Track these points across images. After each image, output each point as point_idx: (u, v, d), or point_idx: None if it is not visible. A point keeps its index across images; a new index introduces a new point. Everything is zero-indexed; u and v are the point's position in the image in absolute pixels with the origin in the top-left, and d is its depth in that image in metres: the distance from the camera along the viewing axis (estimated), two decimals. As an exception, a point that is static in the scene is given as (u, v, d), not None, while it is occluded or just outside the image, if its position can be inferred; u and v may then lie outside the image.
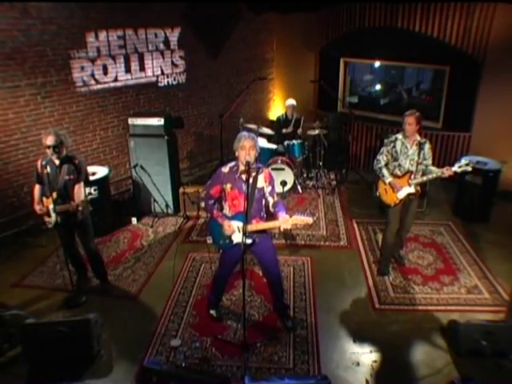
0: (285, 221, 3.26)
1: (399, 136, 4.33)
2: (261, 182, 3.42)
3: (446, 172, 4.04)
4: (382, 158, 4.38)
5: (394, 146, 4.32)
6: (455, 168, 4.04)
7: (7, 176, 5.27)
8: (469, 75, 6.31)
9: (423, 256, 4.98)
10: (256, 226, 3.40)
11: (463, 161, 4.04)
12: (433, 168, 4.23)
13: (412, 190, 4.26)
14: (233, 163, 3.45)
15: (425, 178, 4.23)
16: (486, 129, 6.30)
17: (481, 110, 6.33)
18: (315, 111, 8.30)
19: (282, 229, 3.33)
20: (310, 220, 3.25)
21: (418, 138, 4.27)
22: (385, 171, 4.34)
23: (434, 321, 3.93)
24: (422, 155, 4.24)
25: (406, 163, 4.29)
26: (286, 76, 8.78)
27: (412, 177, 4.24)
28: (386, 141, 4.46)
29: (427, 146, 4.26)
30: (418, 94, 7.83)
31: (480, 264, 4.80)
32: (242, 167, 3.33)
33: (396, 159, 4.34)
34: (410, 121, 4.16)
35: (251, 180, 3.33)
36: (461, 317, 3.84)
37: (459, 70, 6.44)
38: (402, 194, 4.27)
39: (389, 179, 4.30)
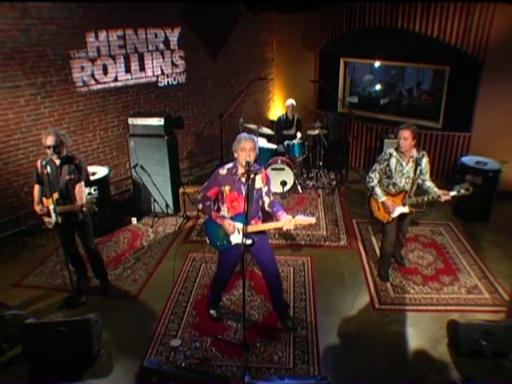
0: (287, 221, 3.26)
1: (394, 152, 4.06)
2: (258, 183, 3.43)
3: (444, 197, 3.87)
4: (375, 176, 4.13)
5: (388, 164, 4.07)
6: (453, 193, 3.86)
7: (7, 176, 5.27)
8: (469, 75, 6.31)
9: (423, 256, 4.98)
10: (257, 226, 3.41)
11: (462, 185, 3.86)
12: (429, 184, 4.05)
13: (406, 210, 4.09)
14: (230, 165, 3.44)
15: (420, 200, 4.04)
16: (485, 129, 6.30)
17: (481, 110, 6.33)
18: (315, 111, 8.31)
19: (284, 229, 3.33)
20: (312, 220, 3.25)
21: (415, 153, 4.02)
22: (378, 190, 4.11)
23: (433, 321, 3.93)
24: (418, 171, 4.01)
25: (401, 182, 4.08)
26: (285, 76, 8.78)
27: (407, 196, 4.05)
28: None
29: (424, 161, 4.02)
30: (419, 94, 7.83)
31: (480, 264, 4.80)
32: (240, 169, 3.33)
33: (390, 177, 4.11)
34: (406, 135, 3.87)
35: (249, 181, 3.33)
36: (461, 317, 3.85)
37: (459, 70, 6.44)
38: (395, 214, 4.10)
39: (382, 198, 4.08)
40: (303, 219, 3.25)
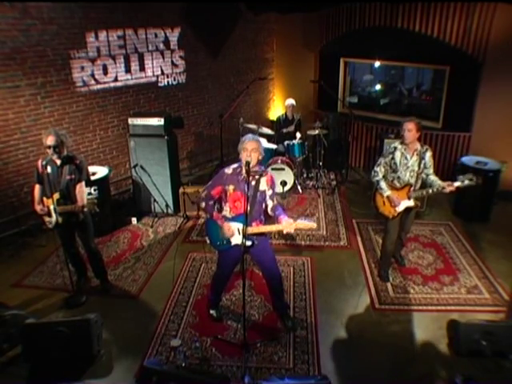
0: (288, 225, 3.27)
1: (398, 146, 4.13)
2: (263, 185, 3.43)
3: (448, 188, 3.88)
4: (380, 170, 4.18)
5: (393, 158, 4.13)
6: (458, 183, 3.87)
7: (7, 176, 5.27)
8: (469, 75, 6.31)
9: (423, 256, 4.98)
10: (258, 228, 3.41)
11: (466, 176, 3.87)
12: (433, 178, 4.08)
13: (411, 203, 4.11)
14: (236, 165, 3.44)
15: (425, 192, 4.08)
16: (485, 129, 6.30)
17: (481, 109, 6.33)
18: (315, 111, 8.32)
19: (284, 232, 3.34)
20: (313, 225, 3.26)
21: (419, 146, 4.09)
22: (383, 184, 4.15)
23: (433, 321, 3.93)
24: (422, 165, 4.07)
25: (405, 175, 4.12)
26: (285, 76, 8.78)
27: (412, 189, 4.08)
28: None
29: (428, 155, 4.08)
30: (418, 94, 7.83)
31: (480, 264, 4.80)
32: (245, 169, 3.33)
33: (395, 171, 4.16)
34: (410, 127, 3.95)
35: (254, 183, 3.36)
36: (461, 317, 3.85)
37: (459, 70, 6.45)
38: (400, 208, 4.11)
39: (387, 193, 4.11)
40: (304, 223, 3.25)
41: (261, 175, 3.39)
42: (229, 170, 3.43)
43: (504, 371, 3.37)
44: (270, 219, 3.62)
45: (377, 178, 4.19)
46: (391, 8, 6.62)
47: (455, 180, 3.94)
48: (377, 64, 7.37)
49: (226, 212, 3.50)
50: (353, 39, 7.40)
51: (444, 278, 4.58)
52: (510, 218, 5.79)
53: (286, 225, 3.28)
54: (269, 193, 3.47)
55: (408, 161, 4.10)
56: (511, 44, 5.76)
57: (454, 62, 6.46)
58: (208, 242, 3.63)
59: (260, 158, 3.33)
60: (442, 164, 6.84)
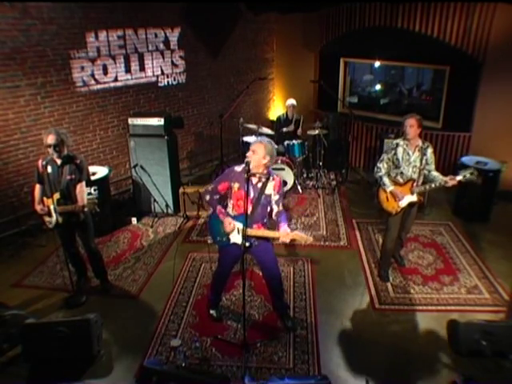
0: (285, 234, 3.31)
1: (400, 142, 4.18)
2: (269, 189, 3.43)
3: (450, 182, 3.93)
4: (383, 166, 4.22)
5: (396, 154, 4.18)
6: (459, 177, 3.91)
7: (7, 176, 5.27)
8: (469, 75, 6.31)
9: (423, 256, 4.98)
10: (256, 231, 3.42)
11: (468, 170, 3.92)
12: (435, 173, 4.12)
13: (414, 198, 4.14)
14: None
15: (427, 187, 4.11)
16: (486, 129, 6.30)
17: (481, 109, 6.33)
18: (315, 111, 8.32)
19: (280, 241, 3.37)
20: (309, 239, 3.30)
21: (420, 142, 4.15)
22: (386, 179, 4.19)
23: (434, 321, 3.93)
24: (424, 161, 4.12)
25: (408, 171, 4.16)
26: (286, 76, 8.79)
27: (414, 185, 4.12)
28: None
29: (430, 151, 4.14)
30: (418, 94, 7.84)
31: (480, 264, 4.80)
32: (253, 170, 3.33)
33: (398, 167, 4.20)
34: (412, 122, 4.03)
35: (260, 185, 3.38)
36: (461, 317, 3.84)
37: (459, 70, 6.45)
38: (403, 203, 4.14)
39: (390, 188, 4.15)
40: (300, 235, 3.31)
41: (267, 179, 3.39)
42: (238, 168, 3.44)
43: (504, 371, 3.37)
44: (272, 223, 3.63)
45: (380, 174, 4.23)
46: (391, 8, 6.62)
47: (457, 174, 3.98)
48: (377, 64, 7.38)
49: (229, 209, 3.52)
50: (353, 39, 7.40)
51: (444, 278, 4.58)
52: (510, 218, 5.79)
53: (283, 233, 3.32)
54: (275, 198, 3.47)
55: (410, 156, 4.15)
56: (511, 44, 5.76)
57: (454, 62, 6.46)
58: (210, 241, 3.63)
59: (264, 162, 3.30)
60: (442, 164, 6.83)
